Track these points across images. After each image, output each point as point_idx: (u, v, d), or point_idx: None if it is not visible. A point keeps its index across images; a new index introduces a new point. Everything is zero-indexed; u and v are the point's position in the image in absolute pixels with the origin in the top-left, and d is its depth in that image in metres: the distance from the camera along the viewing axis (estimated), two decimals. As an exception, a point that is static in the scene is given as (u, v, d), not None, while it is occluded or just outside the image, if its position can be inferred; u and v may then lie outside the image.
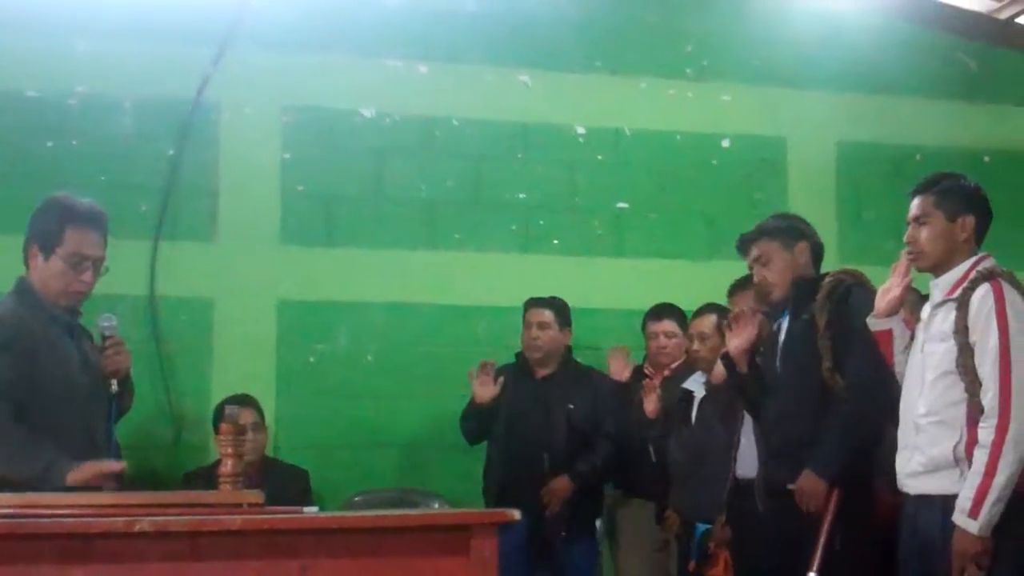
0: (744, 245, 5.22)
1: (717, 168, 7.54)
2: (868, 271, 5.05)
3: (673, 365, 6.60)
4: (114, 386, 4.67)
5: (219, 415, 6.09)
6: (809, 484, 4.80)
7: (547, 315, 6.58)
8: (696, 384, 6.20)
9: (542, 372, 6.63)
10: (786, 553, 4.85)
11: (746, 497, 5.29)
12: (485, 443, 6.61)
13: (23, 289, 4.58)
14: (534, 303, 6.64)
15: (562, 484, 6.36)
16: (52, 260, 4.54)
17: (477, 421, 6.55)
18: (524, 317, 6.63)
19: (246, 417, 6.03)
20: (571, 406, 6.48)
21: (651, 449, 6.39)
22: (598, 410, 6.52)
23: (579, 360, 6.76)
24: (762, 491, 5.14)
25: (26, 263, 4.61)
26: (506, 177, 7.26)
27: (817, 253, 5.21)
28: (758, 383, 5.16)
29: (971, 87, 7.88)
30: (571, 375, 6.62)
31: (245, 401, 6.19)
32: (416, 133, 7.16)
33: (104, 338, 4.71)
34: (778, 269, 5.10)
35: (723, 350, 5.37)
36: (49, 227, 4.56)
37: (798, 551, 4.77)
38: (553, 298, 6.66)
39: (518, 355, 6.68)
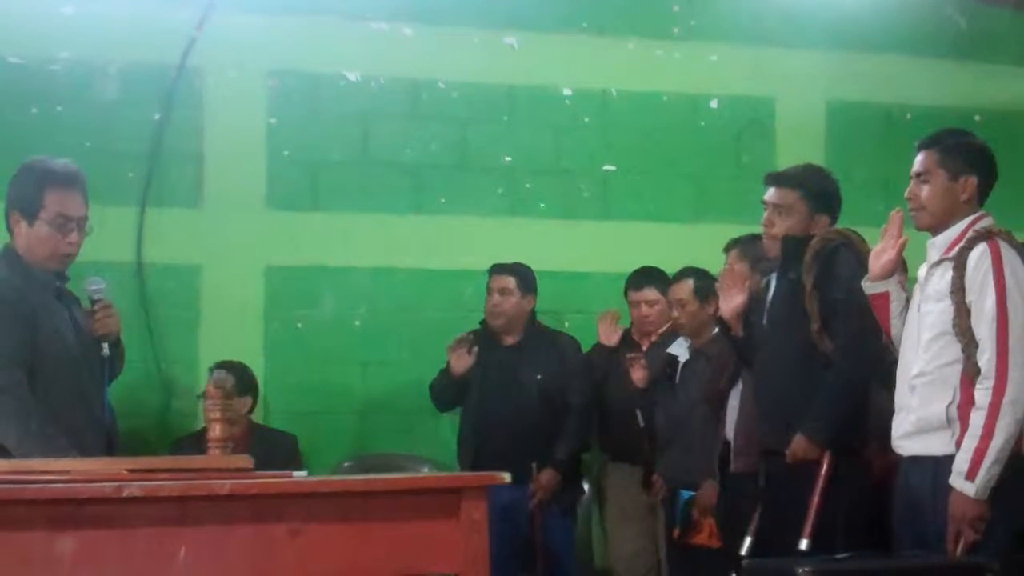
0: (775, 183, 5.09)
1: (705, 129, 7.51)
2: (859, 231, 5.02)
3: (660, 331, 6.59)
4: (105, 349, 4.68)
5: None
6: (802, 448, 4.76)
7: (509, 281, 6.54)
8: (680, 349, 6.21)
9: (508, 340, 6.62)
10: (775, 515, 4.85)
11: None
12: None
13: (10, 257, 4.57)
14: (497, 269, 6.60)
15: (551, 477, 6.37)
16: (37, 225, 4.53)
17: (449, 391, 6.58)
18: (488, 284, 6.61)
19: (217, 379, 6.02)
20: (539, 376, 6.47)
21: (638, 414, 6.40)
22: (566, 377, 6.52)
23: (546, 324, 6.75)
24: (741, 449, 5.14)
25: (9, 231, 4.59)
26: (492, 140, 7.23)
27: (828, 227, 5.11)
28: (753, 343, 5.14)
29: (961, 45, 7.84)
30: (537, 342, 6.59)
31: (227, 367, 6.19)
32: (402, 96, 7.12)
33: (93, 301, 4.72)
34: (790, 226, 5.00)
35: (717, 313, 5.34)
36: (29, 192, 4.55)
37: (787, 513, 4.77)
38: (517, 264, 6.61)
39: (482, 323, 6.66)
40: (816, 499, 4.68)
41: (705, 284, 6.02)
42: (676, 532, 5.97)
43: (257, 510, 3.12)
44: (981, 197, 4.39)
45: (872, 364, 4.78)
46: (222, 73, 6.85)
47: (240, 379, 6.34)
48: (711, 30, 7.52)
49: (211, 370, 5.96)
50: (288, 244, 6.87)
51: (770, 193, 5.07)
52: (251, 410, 6.41)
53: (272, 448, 6.08)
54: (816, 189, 5.06)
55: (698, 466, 5.79)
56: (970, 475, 4.06)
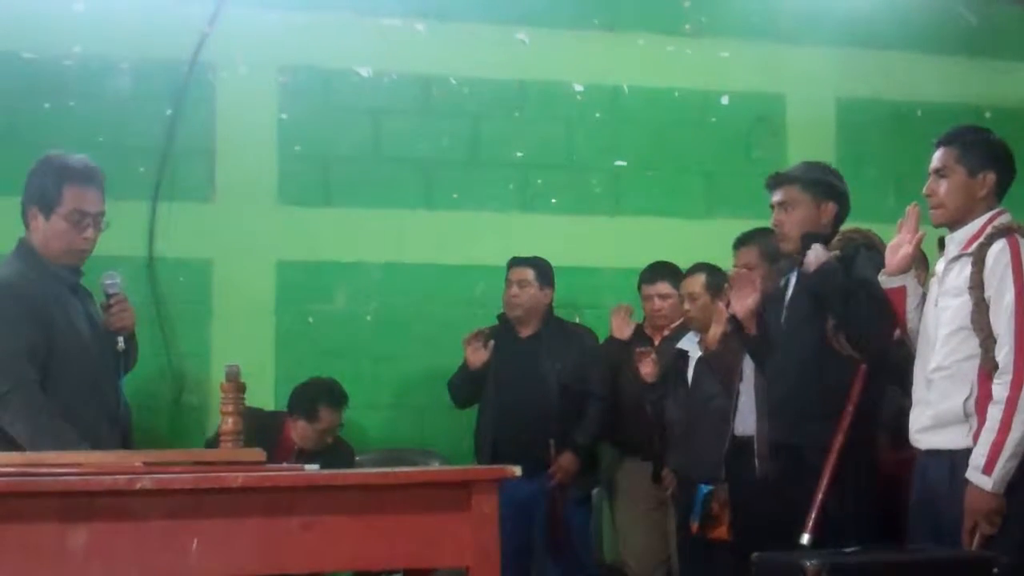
0: (775, 184, 5.12)
1: (715, 125, 7.52)
2: (869, 227, 5.02)
3: (673, 325, 6.60)
4: (121, 343, 4.68)
5: (297, 399, 6.32)
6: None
7: (528, 273, 6.58)
8: (690, 344, 6.21)
9: (526, 332, 6.64)
10: (786, 512, 4.85)
11: (745, 455, 5.29)
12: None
13: (26, 251, 4.57)
14: (516, 262, 6.64)
15: (570, 460, 6.39)
16: (53, 220, 4.53)
17: (468, 386, 6.61)
18: (506, 276, 6.63)
19: (332, 420, 6.28)
20: (558, 366, 6.49)
21: (648, 409, 6.40)
22: (585, 368, 6.54)
23: (563, 318, 6.78)
24: (764, 451, 5.14)
25: (26, 225, 4.60)
26: (503, 136, 7.25)
27: (841, 217, 5.10)
28: (768, 342, 5.14)
29: (971, 42, 7.85)
30: (555, 334, 6.62)
31: (335, 400, 6.35)
32: (413, 92, 7.14)
33: (108, 296, 4.73)
34: (797, 221, 4.99)
35: (729, 312, 5.33)
36: (46, 187, 4.54)
37: (798, 509, 4.77)
38: (535, 258, 6.65)
39: (500, 316, 6.69)
40: (820, 494, 4.67)
41: (717, 279, 6.04)
42: (695, 526, 5.96)
43: (269, 503, 3.12)
44: (999, 193, 4.39)
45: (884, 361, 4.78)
46: (234, 69, 6.87)
47: (333, 394, 6.36)
48: (722, 26, 7.53)
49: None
50: (299, 239, 6.90)
51: (773, 195, 5.10)
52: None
53: (332, 456, 6.10)
54: (814, 179, 5.08)
55: (715, 460, 5.79)
56: (987, 469, 4.06)
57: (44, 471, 3.20)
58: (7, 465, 3.31)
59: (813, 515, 4.64)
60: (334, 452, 6.21)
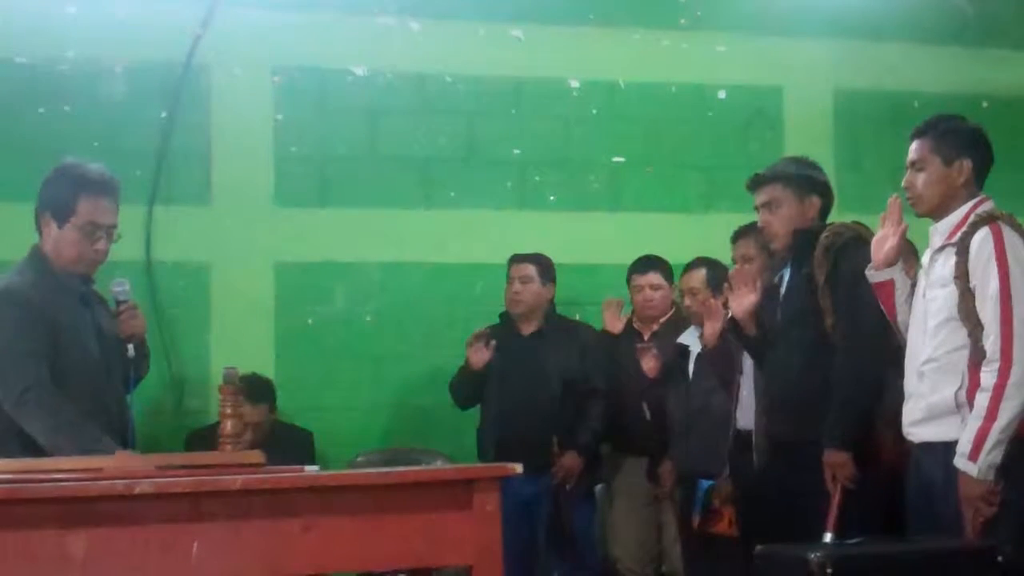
0: (756, 185, 5.12)
1: (713, 119, 7.51)
2: (868, 220, 4.97)
3: (662, 319, 6.58)
4: (131, 350, 4.67)
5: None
6: (833, 459, 4.73)
7: (530, 270, 6.56)
8: (691, 338, 6.20)
9: (527, 328, 6.62)
10: (788, 505, 4.85)
11: (747, 450, 5.28)
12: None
13: (37, 259, 4.55)
14: (518, 258, 6.61)
15: (573, 460, 6.37)
16: (66, 229, 4.51)
17: (469, 387, 6.58)
18: (508, 273, 6.61)
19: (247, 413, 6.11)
20: (560, 364, 6.47)
21: (644, 406, 6.39)
22: (586, 363, 6.52)
23: (564, 315, 6.75)
24: (762, 445, 5.13)
25: (39, 230, 4.57)
26: (500, 133, 7.24)
27: (827, 208, 5.11)
28: (766, 340, 5.13)
29: (968, 32, 7.83)
30: (556, 330, 6.60)
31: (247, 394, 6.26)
32: (409, 91, 7.13)
33: (118, 303, 4.72)
34: (784, 219, 4.99)
35: (728, 315, 5.32)
36: (62, 196, 4.53)
37: (800, 503, 4.77)
38: (537, 254, 6.63)
39: (502, 315, 6.66)
40: (839, 492, 4.66)
41: (717, 274, 6.03)
42: (696, 521, 5.96)
43: (270, 505, 3.12)
44: (979, 179, 4.37)
45: (883, 358, 4.77)
46: (228, 70, 6.86)
47: (251, 388, 6.33)
48: (717, 20, 7.52)
49: None
50: (297, 240, 6.89)
51: (756, 196, 5.09)
52: (270, 414, 6.45)
53: (289, 444, 6.10)
54: (794, 174, 5.07)
55: (716, 455, 5.78)
56: (972, 456, 4.05)
57: (42, 477, 3.19)
58: (5, 472, 3.31)
59: (834, 512, 4.62)
60: (280, 437, 6.22)
